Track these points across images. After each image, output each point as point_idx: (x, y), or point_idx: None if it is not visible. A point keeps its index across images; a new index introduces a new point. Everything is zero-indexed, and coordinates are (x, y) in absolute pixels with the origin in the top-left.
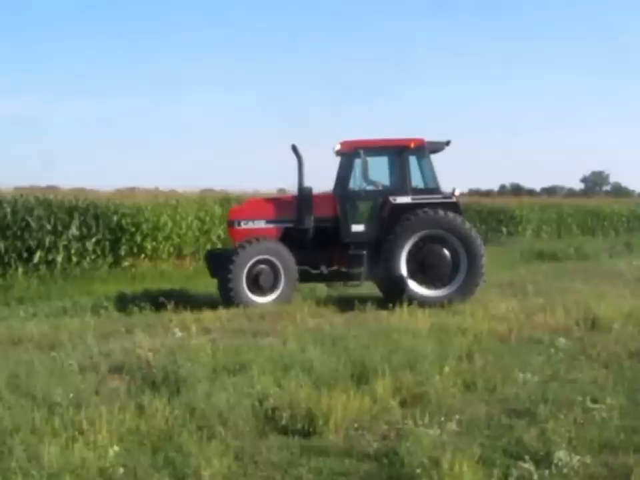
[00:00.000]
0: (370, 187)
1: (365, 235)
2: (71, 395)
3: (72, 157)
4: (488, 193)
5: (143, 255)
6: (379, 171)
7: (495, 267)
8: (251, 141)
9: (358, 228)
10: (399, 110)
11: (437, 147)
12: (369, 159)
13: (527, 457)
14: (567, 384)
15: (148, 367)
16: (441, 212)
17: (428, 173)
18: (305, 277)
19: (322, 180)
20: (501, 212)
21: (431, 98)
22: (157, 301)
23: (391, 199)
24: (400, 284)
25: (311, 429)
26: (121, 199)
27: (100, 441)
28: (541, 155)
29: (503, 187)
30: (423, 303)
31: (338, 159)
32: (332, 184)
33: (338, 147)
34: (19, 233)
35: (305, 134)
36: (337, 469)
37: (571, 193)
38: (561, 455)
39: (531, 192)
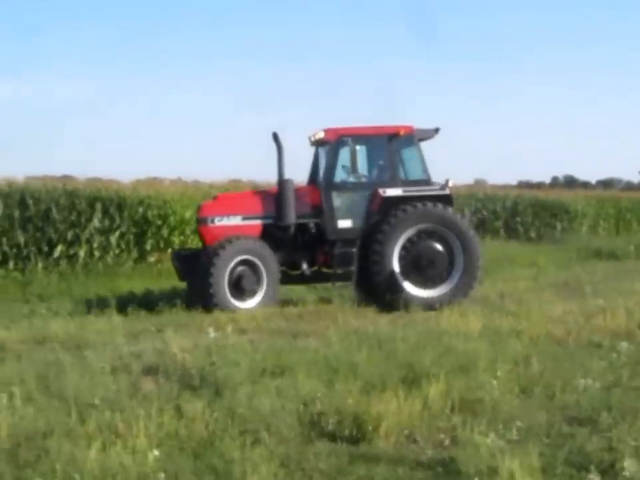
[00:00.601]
0: (354, 179)
1: (353, 230)
2: (105, 397)
3: (84, 144)
4: (539, 185)
5: (170, 250)
6: (365, 160)
7: (549, 265)
8: (280, 129)
9: (345, 224)
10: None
11: (426, 135)
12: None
13: (591, 467)
14: (630, 391)
15: (184, 368)
16: (439, 205)
17: (418, 162)
18: (283, 279)
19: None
20: (554, 206)
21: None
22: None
23: (380, 191)
24: (394, 284)
25: (359, 435)
26: (146, 190)
27: (138, 445)
28: (596, 144)
29: (555, 179)
30: (412, 303)
31: (316, 148)
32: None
33: (321, 134)
34: (40, 225)
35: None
36: (388, 477)
37: (628, 186)
38: (628, 464)
39: (585, 184)
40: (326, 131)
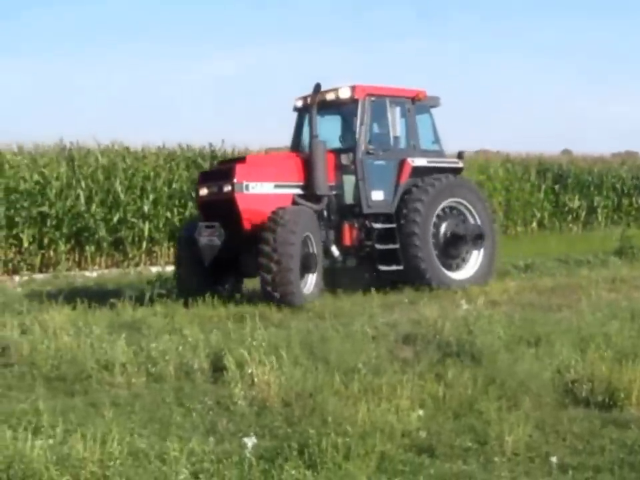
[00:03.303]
0: (390, 144)
1: (385, 204)
2: (366, 362)
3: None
4: None
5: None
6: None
7: None
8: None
9: (378, 196)
10: None
11: (435, 102)
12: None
13: None
14: None
15: (441, 337)
16: (464, 178)
17: (431, 131)
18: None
19: None
20: None
21: None
22: None
23: (409, 160)
24: (434, 264)
25: (611, 402)
26: None
27: (402, 406)
28: None
29: None
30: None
31: (300, 112)
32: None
33: (346, 92)
34: None
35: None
36: None
37: None
38: None
39: None
40: (354, 88)
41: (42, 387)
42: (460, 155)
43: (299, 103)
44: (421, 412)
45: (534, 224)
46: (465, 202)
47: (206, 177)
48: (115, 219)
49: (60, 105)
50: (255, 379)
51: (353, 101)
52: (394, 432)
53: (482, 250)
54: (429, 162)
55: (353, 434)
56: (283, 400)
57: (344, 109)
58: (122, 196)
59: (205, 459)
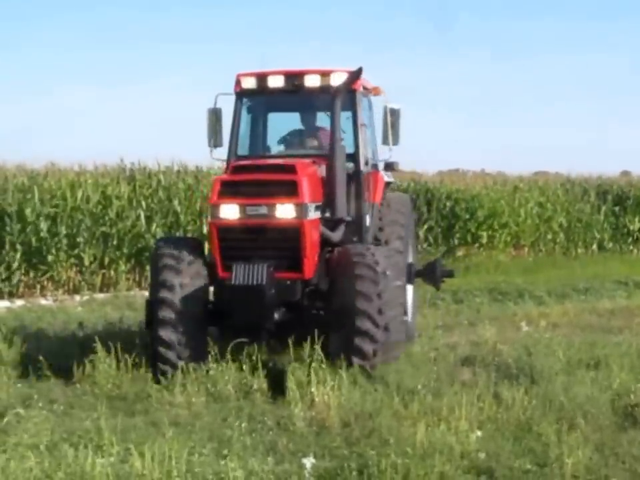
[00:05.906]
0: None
1: (372, 229)
2: (425, 384)
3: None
4: None
5: (477, 245)
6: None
7: None
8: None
9: (368, 219)
10: None
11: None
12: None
13: None
14: None
15: (500, 359)
16: (409, 197)
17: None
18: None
19: None
20: None
21: None
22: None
23: (382, 173)
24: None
25: None
26: (450, 183)
27: (461, 427)
28: None
29: None
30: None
31: (239, 100)
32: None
33: (340, 76)
34: None
35: None
36: None
37: None
38: None
39: None
40: (352, 75)
41: (103, 405)
42: (392, 167)
43: (249, 83)
44: (479, 433)
45: (594, 246)
46: (409, 227)
47: (236, 189)
48: None
49: (120, 125)
50: (316, 399)
51: (349, 93)
52: (453, 453)
53: (412, 286)
54: (387, 177)
55: (413, 455)
56: (342, 420)
57: (330, 102)
58: (182, 216)
59: (264, 479)
